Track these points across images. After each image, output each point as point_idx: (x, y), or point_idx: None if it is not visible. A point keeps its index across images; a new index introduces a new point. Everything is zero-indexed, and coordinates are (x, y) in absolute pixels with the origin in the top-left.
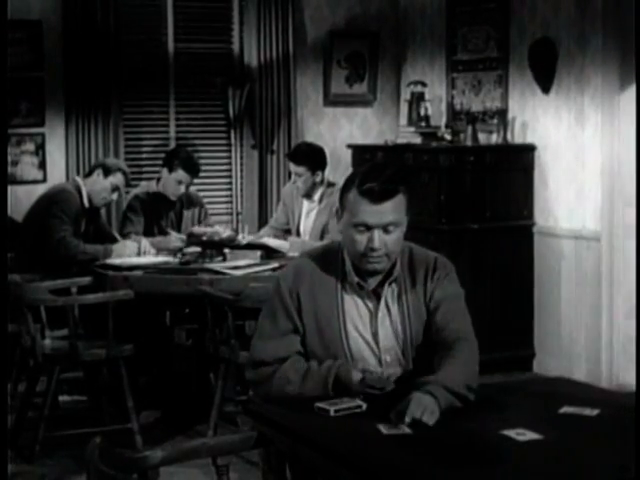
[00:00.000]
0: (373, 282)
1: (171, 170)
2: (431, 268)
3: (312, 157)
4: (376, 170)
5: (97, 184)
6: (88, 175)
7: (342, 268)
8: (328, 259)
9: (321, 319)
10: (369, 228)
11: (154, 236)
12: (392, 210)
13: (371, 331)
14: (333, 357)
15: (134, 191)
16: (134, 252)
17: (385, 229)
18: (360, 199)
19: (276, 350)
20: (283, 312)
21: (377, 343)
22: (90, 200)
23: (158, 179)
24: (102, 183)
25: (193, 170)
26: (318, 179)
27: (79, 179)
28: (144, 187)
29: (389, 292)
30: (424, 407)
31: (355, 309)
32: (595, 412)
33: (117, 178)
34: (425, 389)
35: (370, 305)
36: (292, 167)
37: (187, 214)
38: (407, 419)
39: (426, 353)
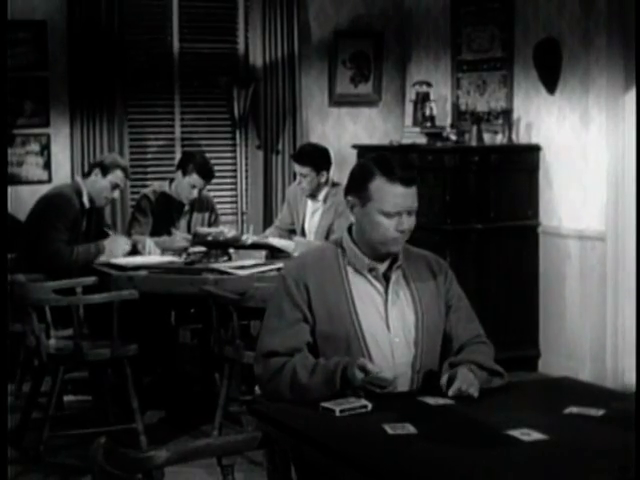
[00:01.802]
0: (381, 267)
1: (185, 174)
2: (434, 264)
3: (317, 158)
4: (391, 158)
5: (97, 184)
6: (87, 175)
7: (343, 257)
8: (327, 251)
9: (331, 306)
10: (399, 212)
11: (161, 237)
12: (415, 193)
13: (383, 312)
14: (346, 342)
15: (143, 191)
16: (127, 247)
17: (409, 212)
18: (390, 185)
19: (287, 340)
20: (290, 304)
21: (388, 325)
22: (92, 200)
23: (171, 180)
24: (101, 183)
25: (207, 175)
26: (323, 179)
27: (79, 180)
28: (154, 187)
29: (396, 276)
30: (469, 381)
31: (365, 293)
32: (600, 412)
33: (116, 176)
34: (465, 365)
35: (380, 288)
36: (297, 168)
37: (197, 217)
38: (451, 392)
39: (436, 342)
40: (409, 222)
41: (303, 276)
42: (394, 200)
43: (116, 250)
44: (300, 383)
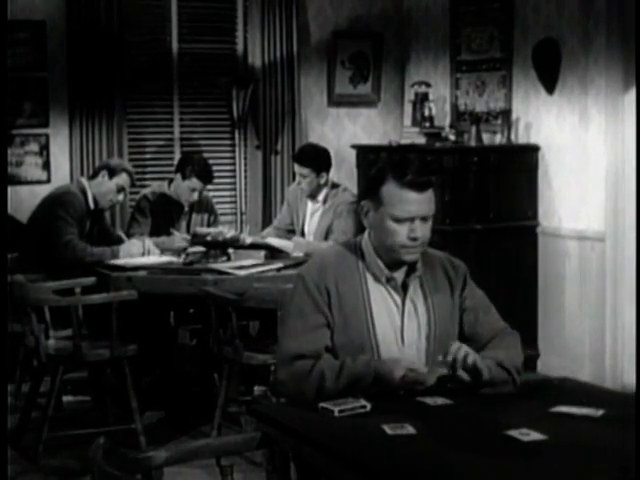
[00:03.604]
0: (399, 276)
1: (185, 177)
2: (450, 268)
3: (317, 159)
4: (407, 162)
5: (102, 186)
6: (93, 177)
7: (363, 262)
8: (347, 255)
9: (348, 312)
10: (410, 219)
11: (160, 237)
12: (430, 199)
13: (398, 323)
14: (359, 351)
15: (143, 191)
16: (141, 251)
17: (423, 218)
18: (402, 191)
19: (312, 343)
20: (313, 306)
21: (402, 336)
22: (96, 202)
23: (170, 181)
24: (107, 185)
25: (207, 178)
26: (323, 181)
27: (84, 180)
28: (154, 188)
29: (413, 286)
30: (466, 350)
31: (382, 302)
32: (599, 412)
33: (122, 179)
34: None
35: (397, 298)
36: (297, 169)
37: (196, 217)
38: (449, 357)
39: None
40: (423, 229)
41: (324, 279)
42: (405, 206)
43: (131, 254)
44: (327, 386)
